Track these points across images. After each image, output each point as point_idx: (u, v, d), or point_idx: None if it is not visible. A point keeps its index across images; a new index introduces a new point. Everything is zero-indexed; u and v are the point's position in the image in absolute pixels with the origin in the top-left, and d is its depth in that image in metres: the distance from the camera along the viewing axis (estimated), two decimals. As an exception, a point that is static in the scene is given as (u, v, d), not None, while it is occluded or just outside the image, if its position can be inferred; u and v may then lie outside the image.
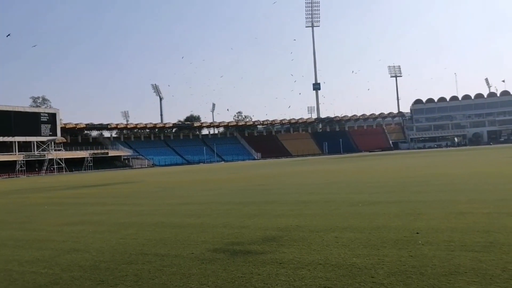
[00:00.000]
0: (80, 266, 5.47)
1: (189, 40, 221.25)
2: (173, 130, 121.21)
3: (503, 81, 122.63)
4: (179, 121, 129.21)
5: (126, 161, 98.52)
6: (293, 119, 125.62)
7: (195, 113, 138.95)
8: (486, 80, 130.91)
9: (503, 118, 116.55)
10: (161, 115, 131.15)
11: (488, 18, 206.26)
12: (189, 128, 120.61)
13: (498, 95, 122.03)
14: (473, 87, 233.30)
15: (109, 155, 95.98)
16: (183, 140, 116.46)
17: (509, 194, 9.79)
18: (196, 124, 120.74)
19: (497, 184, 12.43)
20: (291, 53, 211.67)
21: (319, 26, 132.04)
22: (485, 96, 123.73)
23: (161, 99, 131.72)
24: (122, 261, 5.61)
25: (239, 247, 6.00)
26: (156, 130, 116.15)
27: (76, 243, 7.08)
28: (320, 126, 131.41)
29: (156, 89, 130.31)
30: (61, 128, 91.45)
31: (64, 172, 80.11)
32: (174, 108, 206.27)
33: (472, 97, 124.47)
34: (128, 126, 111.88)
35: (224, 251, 5.81)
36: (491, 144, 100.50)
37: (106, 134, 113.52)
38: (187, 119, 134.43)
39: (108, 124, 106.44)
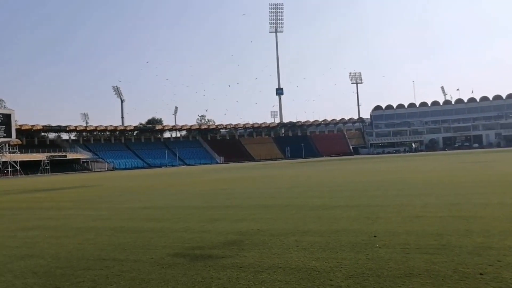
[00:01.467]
0: (34, 273, 5.29)
1: (153, 42, 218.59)
2: (135, 133, 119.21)
3: (458, 90, 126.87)
4: (141, 124, 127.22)
5: (85, 164, 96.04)
6: (256, 123, 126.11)
7: (157, 116, 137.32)
8: (442, 88, 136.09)
9: (458, 125, 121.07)
10: (122, 117, 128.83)
11: (444, 30, 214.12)
12: (151, 131, 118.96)
13: (453, 103, 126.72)
14: (430, 95, 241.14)
15: (67, 158, 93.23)
16: (144, 143, 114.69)
17: (461, 199, 10.18)
18: (158, 127, 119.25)
19: (450, 188, 12.91)
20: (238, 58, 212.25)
21: (282, 31, 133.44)
22: (441, 104, 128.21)
23: (122, 101, 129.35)
24: (78, 266, 5.47)
25: (200, 251, 5.98)
26: (117, 132, 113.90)
27: (31, 249, 6.86)
28: (283, 130, 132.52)
29: (117, 91, 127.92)
30: (16, 129, 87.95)
31: (19, 176, 77.18)
32: (136, 110, 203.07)
33: (429, 105, 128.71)
34: (88, 129, 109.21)
35: (184, 255, 5.77)
36: (446, 150, 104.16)
37: (65, 136, 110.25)
38: (149, 122, 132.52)
39: (66, 126, 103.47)
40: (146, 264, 5.42)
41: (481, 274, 4.32)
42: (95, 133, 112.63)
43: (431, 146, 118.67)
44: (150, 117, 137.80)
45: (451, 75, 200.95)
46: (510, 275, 4.24)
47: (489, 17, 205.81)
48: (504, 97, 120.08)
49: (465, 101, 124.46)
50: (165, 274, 4.90)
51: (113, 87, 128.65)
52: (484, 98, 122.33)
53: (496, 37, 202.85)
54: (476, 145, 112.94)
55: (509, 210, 8.09)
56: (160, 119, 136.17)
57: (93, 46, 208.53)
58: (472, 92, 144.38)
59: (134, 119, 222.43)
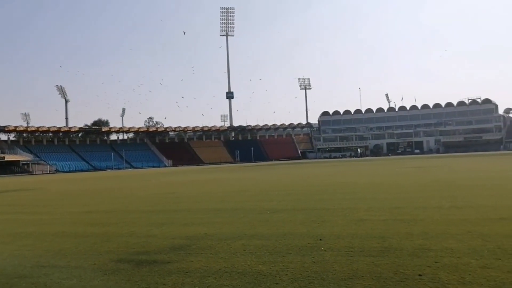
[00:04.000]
0: (-35, 282, 4.98)
1: (100, 42, 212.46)
2: (79, 134, 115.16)
3: (402, 99, 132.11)
4: (86, 125, 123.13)
5: (26, 166, 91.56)
6: (206, 126, 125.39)
7: (104, 118, 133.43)
8: (386, 95, 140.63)
9: (400, 131, 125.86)
10: (66, 118, 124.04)
11: (389, 40, 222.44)
12: (96, 133, 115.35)
13: (396, 110, 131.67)
14: (375, 102, 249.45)
15: (6, 159, 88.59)
16: (89, 145, 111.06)
17: (403, 202, 10.57)
18: (105, 129, 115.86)
19: (393, 193, 13.39)
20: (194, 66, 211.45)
21: (233, 35, 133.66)
22: (385, 111, 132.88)
23: (66, 101, 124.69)
24: (14, 274, 5.20)
25: (145, 256, 5.85)
26: (61, 134, 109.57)
27: (-38, 256, 6.44)
28: (233, 134, 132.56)
29: (61, 91, 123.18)
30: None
31: (-49, 178, 72.54)
32: (81, 111, 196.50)
33: (374, 111, 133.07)
34: (29, 129, 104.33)
35: (129, 261, 5.62)
36: (389, 155, 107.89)
37: (3, 137, 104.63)
38: (95, 123, 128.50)
39: (5, 126, 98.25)
40: (88, 270, 5.24)
41: (420, 275, 4.49)
42: (36, 134, 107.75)
43: (376, 151, 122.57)
44: (96, 118, 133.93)
45: (395, 83, 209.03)
46: (446, 275, 4.44)
47: (428, 29, 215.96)
48: (443, 105, 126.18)
49: (408, 108, 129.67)
50: (107, 281, 4.75)
51: (57, 86, 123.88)
52: (425, 106, 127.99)
53: (436, 49, 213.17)
54: (418, 151, 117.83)
55: (446, 213, 8.48)
56: (107, 120, 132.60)
57: (35, 44, 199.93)
58: (415, 100, 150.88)
59: (79, 120, 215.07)
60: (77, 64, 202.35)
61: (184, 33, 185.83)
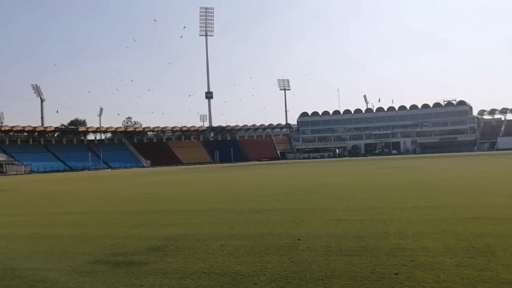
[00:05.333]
0: None
1: (76, 41, 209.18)
2: (55, 134, 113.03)
3: (379, 100, 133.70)
4: (62, 125, 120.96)
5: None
6: (185, 126, 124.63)
7: (81, 117, 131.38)
8: (365, 97, 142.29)
9: (378, 132, 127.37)
10: (42, 118, 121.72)
11: (368, 42, 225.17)
12: (73, 132, 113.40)
13: (374, 111, 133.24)
14: (353, 102, 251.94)
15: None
16: (66, 145, 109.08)
17: (380, 203, 10.70)
18: (81, 128, 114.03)
19: (370, 193, 13.53)
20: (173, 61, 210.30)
21: (212, 35, 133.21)
22: (363, 112, 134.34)
23: (42, 100, 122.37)
24: (-13, 277, 5.07)
25: (122, 258, 5.78)
26: (36, 134, 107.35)
27: None
28: (212, 134, 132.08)
29: (37, 89, 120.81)
30: None
31: None
32: (58, 111, 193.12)
33: (352, 112, 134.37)
34: (3, 129, 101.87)
35: (106, 262, 5.55)
36: (367, 156, 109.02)
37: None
38: (71, 123, 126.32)
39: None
40: (63, 272, 5.15)
41: (396, 274, 4.55)
42: (10, 133, 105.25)
43: (354, 152, 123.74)
44: (73, 118, 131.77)
45: (373, 85, 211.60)
46: (422, 274, 4.51)
47: (409, 32, 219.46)
48: (420, 107, 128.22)
49: (385, 110, 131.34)
50: (83, 283, 4.68)
51: (32, 85, 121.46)
52: (402, 108, 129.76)
53: (413, 51, 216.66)
54: (395, 151, 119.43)
55: (422, 213, 8.62)
56: (84, 120, 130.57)
57: (10, 42, 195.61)
58: (392, 101, 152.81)
59: (56, 120, 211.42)
60: (53, 63, 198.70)
61: (181, 36, 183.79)
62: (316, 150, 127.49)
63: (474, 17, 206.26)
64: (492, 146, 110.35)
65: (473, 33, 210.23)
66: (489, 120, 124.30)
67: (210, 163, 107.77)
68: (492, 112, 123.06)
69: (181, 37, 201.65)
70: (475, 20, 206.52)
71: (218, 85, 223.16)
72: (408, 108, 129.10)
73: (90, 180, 35.96)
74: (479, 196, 11.40)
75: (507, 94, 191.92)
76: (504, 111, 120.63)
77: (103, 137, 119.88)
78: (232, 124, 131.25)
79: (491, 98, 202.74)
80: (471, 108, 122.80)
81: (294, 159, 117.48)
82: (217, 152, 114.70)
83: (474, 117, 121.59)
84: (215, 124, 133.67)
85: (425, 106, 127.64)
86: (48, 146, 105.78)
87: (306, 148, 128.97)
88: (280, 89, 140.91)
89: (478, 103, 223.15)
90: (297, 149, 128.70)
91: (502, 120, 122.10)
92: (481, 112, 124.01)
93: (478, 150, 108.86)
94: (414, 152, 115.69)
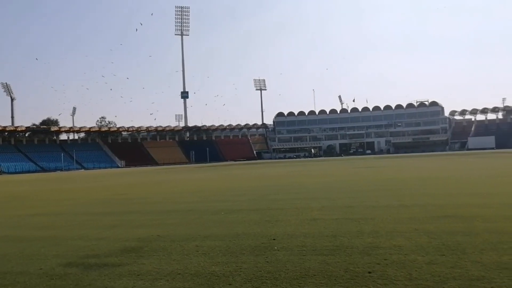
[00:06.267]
0: None
1: (49, 40, 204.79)
2: (26, 134, 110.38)
3: (354, 101, 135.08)
4: (34, 124, 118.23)
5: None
6: (160, 126, 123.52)
7: (53, 117, 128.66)
8: (339, 97, 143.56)
9: (353, 132, 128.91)
10: (12, 117, 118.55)
11: (338, 43, 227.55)
12: (45, 132, 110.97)
13: (349, 111, 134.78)
14: (329, 103, 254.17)
15: None
16: (37, 145, 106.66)
17: (355, 202, 10.82)
18: (54, 128, 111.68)
19: (345, 192, 13.68)
20: (151, 56, 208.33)
21: (188, 35, 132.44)
22: (338, 112, 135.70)
23: (12, 99, 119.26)
24: (-47, 282, 4.91)
25: (95, 260, 5.68)
26: (6, 133, 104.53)
27: None
28: (188, 134, 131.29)
29: (7, 88, 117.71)
30: None
31: None
32: (29, 110, 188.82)
33: (327, 113, 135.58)
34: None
35: (78, 265, 5.45)
36: (342, 156, 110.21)
37: None
38: (43, 122, 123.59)
39: None
40: (34, 276, 5.03)
41: (369, 272, 4.61)
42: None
43: (329, 152, 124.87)
44: (44, 117, 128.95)
45: (348, 85, 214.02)
46: (394, 272, 4.58)
47: (375, 33, 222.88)
48: (393, 107, 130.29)
49: (360, 110, 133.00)
50: (54, 286, 4.59)
51: (2, 84, 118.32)
52: (376, 108, 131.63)
53: (386, 52, 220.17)
54: (369, 151, 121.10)
55: (395, 212, 8.75)
56: (56, 120, 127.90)
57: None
58: (367, 102, 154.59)
59: (27, 119, 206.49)
60: (24, 62, 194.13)
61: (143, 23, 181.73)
62: (292, 150, 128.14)
63: (444, 17, 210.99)
64: (463, 146, 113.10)
65: (443, 35, 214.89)
66: (460, 120, 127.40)
67: (186, 163, 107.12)
68: (463, 112, 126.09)
69: (136, 30, 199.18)
70: (445, 20, 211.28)
71: (193, 85, 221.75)
72: (382, 108, 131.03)
73: (63, 181, 35.27)
74: (450, 195, 11.65)
75: (477, 95, 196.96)
76: (474, 111, 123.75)
77: (76, 137, 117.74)
78: (208, 124, 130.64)
79: (462, 99, 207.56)
80: (442, 108, 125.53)
81: (270, 159, 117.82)
82: (193, 152, 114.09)
83: (446, 117, 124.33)
84: (190, 124, 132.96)
85: (399, 106, 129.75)
86: (19, 146, 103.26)
87: (282, 148, 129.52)
88: (256, 89, 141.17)
89: (450, 104, 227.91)
90: (273, 149, 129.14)
91: (472, 121, 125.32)
92: (452, 113, 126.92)
93: (450, 149, 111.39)
94: (388, 152, 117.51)
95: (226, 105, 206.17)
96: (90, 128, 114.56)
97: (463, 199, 10.55)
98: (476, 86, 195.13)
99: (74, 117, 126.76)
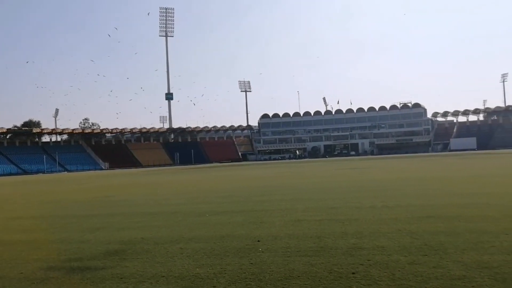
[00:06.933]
0: None
1: (33, 40, 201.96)
2: (7, 136, 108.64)
3: (338, 102, 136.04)
4: (15, 126, 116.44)
5: None
6: (144, 128, 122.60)
7: (35, 119, 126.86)
8: (324, 99, 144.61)
9: (337, 134, 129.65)
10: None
11: (325, 45, 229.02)
12: (27, 134, 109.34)
13: (333, 113, 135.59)
14: (313, 104, 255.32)
15: None
16: (19, 147, 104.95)
17: (339, 203, 10.89)
18: (36, 130, 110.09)
19: (329, 193, 13.76)
20: (136, 52, 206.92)
21: (173, 36, 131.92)
22: (323, 114, 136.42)
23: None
24: None
25: (77, 263, 5.62)
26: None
27: None
28: (172, 136, 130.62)
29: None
30: None
31: None
32: (10, 111, 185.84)
33: (312, 114, 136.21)
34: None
35: (60, 268, 5.38)
36: (326, 157, 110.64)
37: None
38: (25, 124, 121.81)
39: None
40: (14, 280, 4.95)
41: (353, 273, 4.64)
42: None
43: (314, 153, 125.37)
44: (26, 119, 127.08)
45: (332, 87, 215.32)
46: (378, 273, 4.62)
47: (359, 36, 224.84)
48: (377, 109, 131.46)
49: (344, 112, 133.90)
50: (35, 290, 4.52)
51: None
52: (360, 110, 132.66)
53: (369, 54, 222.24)
54: (353, 152, 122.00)
55: (379, 212, 8.83)
56: (38, 121, 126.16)
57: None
58: (351, 103, 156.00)
59: (8, 121, 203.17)
60: (5, 63, 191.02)
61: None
62: (277, 151, 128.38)
63: (427, 19, 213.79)
64: (445, 147, 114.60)
65: (427, 38, 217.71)
66: (442, 122, 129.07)
67: (171, 165, 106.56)
68: (445, 114, 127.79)
69: (109, 36, 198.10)
70: (428, 24, 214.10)
71: (178, 86, 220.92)
72: (366, 110, 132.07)
73: (45, 184, 34.78)
74: (432, 195, 11.78)
75: (459, 97, 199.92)
76: (456, 113, 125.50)
77: (59, 139, 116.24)
78: (193, 125, 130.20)
79: (444, 101, 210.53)
80: (425, 110, 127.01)
81: (255, 160, 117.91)
82: (178, 154, 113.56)
83: (429, 119, 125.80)
84: (175, 125, 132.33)
85: (382, 108, 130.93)
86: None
87: (267, 150, 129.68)
88: (241, 91, 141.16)
89: (432, 106, 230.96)
90: (258, 151, 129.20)
91: (454, 122, 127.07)
92: (435, 114, 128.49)
93: (432, 151, 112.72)
94: (371, 153, 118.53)
95: (211, 106, 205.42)
96: (73, 130, 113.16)
97: (445, 199, 10.68)
98: (458, 89, 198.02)
99: (56, 118, 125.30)
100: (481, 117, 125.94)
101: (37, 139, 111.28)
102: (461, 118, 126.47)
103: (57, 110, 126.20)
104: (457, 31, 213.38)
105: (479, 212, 8.29)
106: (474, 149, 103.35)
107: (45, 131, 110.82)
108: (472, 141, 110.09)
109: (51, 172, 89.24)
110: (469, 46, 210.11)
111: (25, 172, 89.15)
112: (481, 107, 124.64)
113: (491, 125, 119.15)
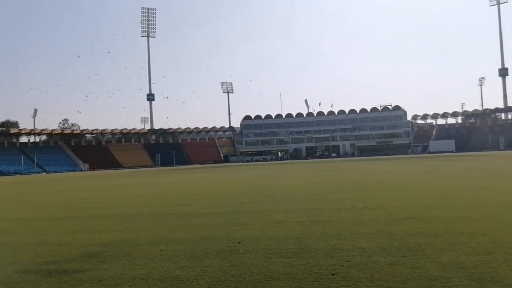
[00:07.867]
0: None
1: (13, 39, 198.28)
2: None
3: (320, 104, 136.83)
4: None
5: None
6: (125, 129, 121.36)
7: (13, 119, 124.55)
8: (306, 101, 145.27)
9: (319, 135, 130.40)
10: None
11: (307, 48, 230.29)
12: (4, 134, 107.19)
13: (315, 115, 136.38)
14: (295, 106, 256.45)
15: None
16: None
17: (319, 204, 10.95)
18: (13, 130, 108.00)
19: (310, 195, 13.81)
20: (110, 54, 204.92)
21: (155, 37, 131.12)
22: (304, 116, 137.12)
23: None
24: None
25: (55, 266, 5.53)
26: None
27: None
28: (154, 137, 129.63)
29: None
30: None
31: None
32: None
33: (294, 116, 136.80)
34: None
35: (36, 271, 5.28)
36: (308, 159, 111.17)
37: None
38: (2, 124, 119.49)
39: None
40: (-11, 283, 4.84)
41: (333, 274, 4.67)
42: None
43: (295, 155, 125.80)
44: (4, 119, 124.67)
45: (313, 89, 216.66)
46: (357, 274, 4.65)
47: (341, 38, 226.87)
48: (358, 111, 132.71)
49: (325, 114, 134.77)
50: (11, 294, 4.43)
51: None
52: (341, 112, 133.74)
53: (350, 57, 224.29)
54: (334, 154, 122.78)
55: (359, 214, 8.91)
56: (16, 122, 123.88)
57: None
58: (332, 106, 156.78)
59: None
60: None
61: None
62: (259, 153, 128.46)
63: (408, 20, 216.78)
64: (425, 149, 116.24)
65: (407, 42, 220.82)
66: (422, 124, 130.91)
67: (152, 166, 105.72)
68: (425, 117, 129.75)
69: (92, 47, 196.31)
70: (408, 25, 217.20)
71: (160, 87, 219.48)
72: (347, 112, 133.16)
73: (22, 185, 34.15)
74: (411, 197, 11.93)
75: (438, 100, 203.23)
76: (435, 116, 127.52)
77: (37, 140, 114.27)
78: (175, 126, 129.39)
79: (424, 103, 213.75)
80: (405, 113, 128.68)
81: (237, 162, 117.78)
82: (159, 155, 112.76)
83: (408, 121, 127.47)
84: (156, 126, 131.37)
85: (363, 110, 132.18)
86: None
87: (249, 151, 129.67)
88: (224, 92, 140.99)
89: (412, 108, 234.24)
90: (240, 152, 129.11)
91: (434, 125, 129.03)
92: (415, 117, 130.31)
93: (412, 153, 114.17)
94: (352, 155, 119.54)
95: (193, 108, 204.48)
96: (52, 130, 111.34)
97: (424, 201, 10.83)
98: (437, 92, 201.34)
99: (35, 119, 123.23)
100: (459, 119, 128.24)
101: (14, 139, 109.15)
102: (440, 121, 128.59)
103: (35, 111, 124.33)
104: (438, 37, 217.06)
105: (456, 213, 8.43)
106: (452, 151, 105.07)
107: (23, 132, 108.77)
108: (450, 143, 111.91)
109: (29, 173, 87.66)
110: (449, 51, 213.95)
111: (1, 174, 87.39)
112: (460, 110, 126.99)
113: (469, 128, 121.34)
